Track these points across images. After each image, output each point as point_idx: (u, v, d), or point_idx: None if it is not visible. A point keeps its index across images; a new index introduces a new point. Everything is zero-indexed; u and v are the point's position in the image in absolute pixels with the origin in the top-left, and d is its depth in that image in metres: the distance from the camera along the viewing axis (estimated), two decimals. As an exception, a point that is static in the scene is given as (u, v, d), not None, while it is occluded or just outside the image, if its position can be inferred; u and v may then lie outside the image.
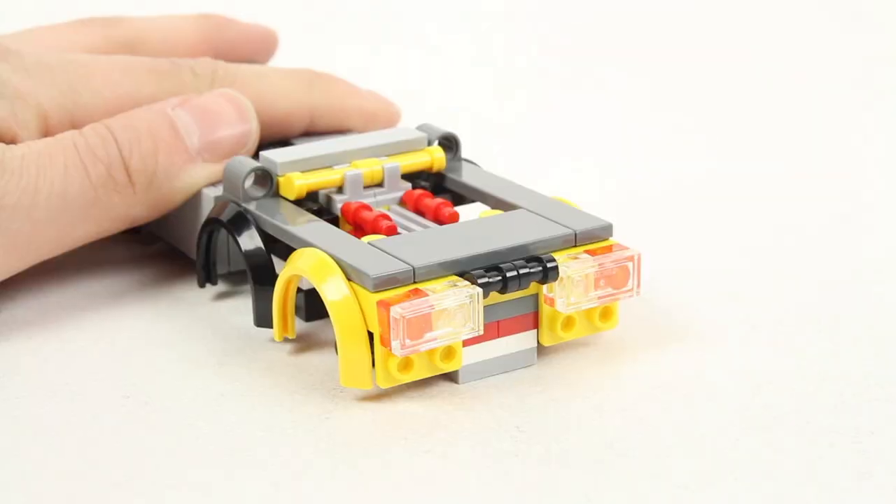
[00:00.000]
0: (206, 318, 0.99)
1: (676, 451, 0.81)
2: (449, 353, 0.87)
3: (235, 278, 1.03)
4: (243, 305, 0.99)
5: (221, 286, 1.03)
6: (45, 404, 0.88)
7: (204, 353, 0.94)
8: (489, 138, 1.33)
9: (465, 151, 1.05)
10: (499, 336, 0.89)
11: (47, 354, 0.94)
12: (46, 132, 1.00)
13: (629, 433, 0.83)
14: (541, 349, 0.92)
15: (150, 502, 0.78)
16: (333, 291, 0.86)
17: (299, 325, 0.95)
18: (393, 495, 0.78)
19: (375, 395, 0.87)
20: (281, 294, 0.91)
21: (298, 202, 0.98)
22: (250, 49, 1.22)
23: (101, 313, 1.00)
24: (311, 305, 0.95)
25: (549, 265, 0.88)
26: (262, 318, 0.94)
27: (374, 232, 0.95)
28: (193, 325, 0.98)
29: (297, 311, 0.94)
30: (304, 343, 0.95)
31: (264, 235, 0.95)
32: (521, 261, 0.88)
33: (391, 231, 0.94)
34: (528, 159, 1.31)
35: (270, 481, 0.79)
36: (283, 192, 0.98)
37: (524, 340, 0.91)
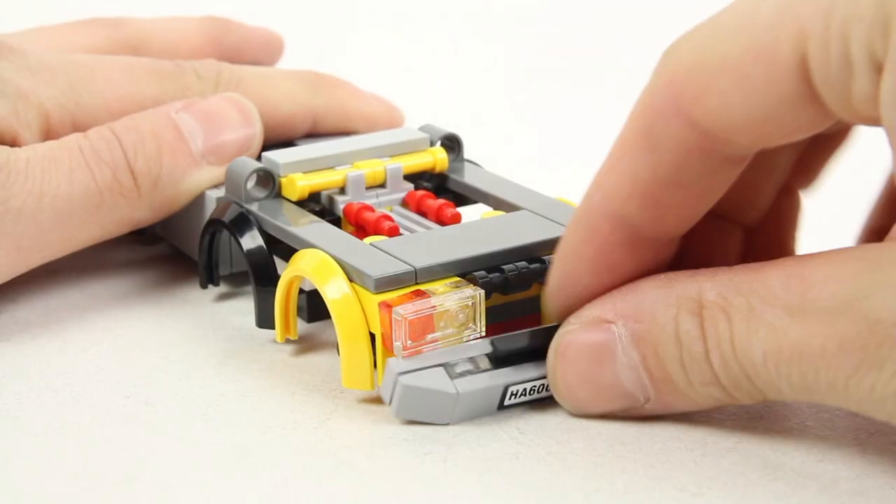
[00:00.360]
0: (208, 319, 0.99)
1: (677, 454, 0.81)
2: (451, 354, 0.87)
3: (237, 279, 1.03)
4: (245, 306, 0.99)
5: (224, 287, 1.03)
6: (46, 404, 0.88)
7: (205, 353, 0.94)
8: (492, 139, 1.33)
9: (467, 152, 1.05)
10: (501, 337, 0.89)
11: (49, 355, 0.94)
12: (48, 132, 1.00)
13: (630, 435, 0.83)
14: (542, 351, 0.92)
15: (150, 502, 0.78)
16: (335, 293, 0.86)
17: (301, 326, 0.95)
18: (393, 497, 0.78)
19: (376, 395, 0.87)
20: (283, 295, 0.91)
21: (301, 203, 0.98)
22: (255, 53, 1.22)
23: (103, 314, 1.00)
24: (313, 306, 0.95)
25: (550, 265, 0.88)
26: (264, 319, 0.94)
27: (376, 233, 0.94)
28: (195, 326, 0.98)
29: (299, 311, 0.94)
30: (305, 344, 0.95)
31: (266, 236, 0.95)
32: (523, 262, 0.88)
33: (393, 232, 0.94)
34: (532, 160, 1.31)
35: (271, 482, 0.79)
36: (285, 192, 0.98)
37: (526, 342, 0.91)
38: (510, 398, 0.85)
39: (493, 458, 0.81)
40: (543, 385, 0.85)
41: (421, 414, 0.83)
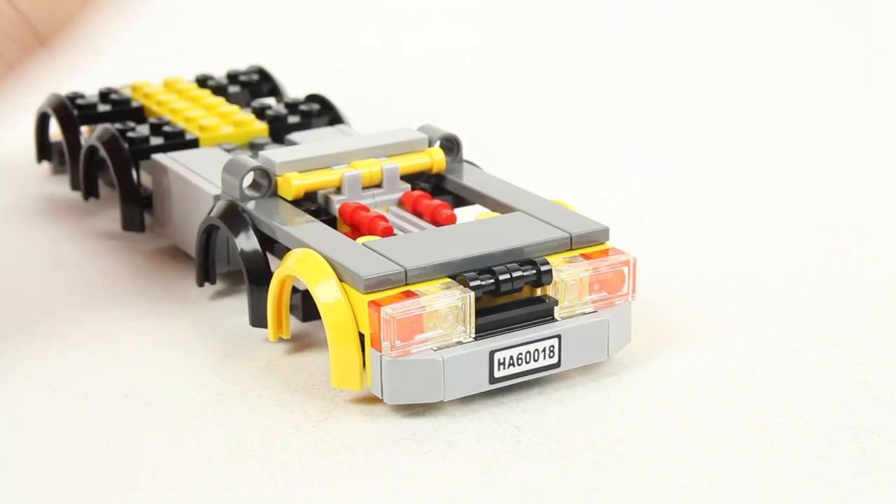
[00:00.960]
0: (206, 317, 0.99)
1: (676, 451, 0.82)
2: (445, 354, 0.87)
3: (236, 277, 1.03)
4: (243, 305, 0.99)
5: (222, 285, 1.03)
6: (45, 404, 0.88)
7: (204, 352, 0.94)
8: (493, 139, 1.33)
9: (469, 153, 1.05)
10: (495, 338, 0.90)
11: (48, 354, 0.94)
12: None
13: (629, 433, 0.84)
14: (538, 350, 0.92)
15: (150, 502, 0.78)
16: (325, 293, 0.86)
17: (299, 325, 0.95)
18: (393, 495, 0.78)
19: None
20: (275, 294, 0.91)
21: (297, 202, 0.98)
22: None
23: (103, 313, 1.00)
24: (308, 305, 0.95)
25: (542, 268, 0.88)
26: (258, 318, 0.94)
27: (371, 233, 0.95)
28: (194, 325, 0.98)
29: (294, 311, 0.94)
30: (303, 343, 0.95)
31: (261, 235, 0.95)
32: (514, 263, 0.88)
33: (387, 232, 0.94)
34: (533, 161, 1.31)
35: (270, 481, 0.79)
36: (281, 192, 0.98)
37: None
38: (499, 368, 0.85)
39: (493, 456, 0.82)
40: (530, 353, 0.86)
41: (412, 394, 0.84)
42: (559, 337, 0.87)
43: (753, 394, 0.88)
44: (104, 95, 1.23)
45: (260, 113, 1.19)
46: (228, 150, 1.13)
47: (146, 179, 1.11)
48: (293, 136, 1.13)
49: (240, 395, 0.89)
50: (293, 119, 1.17)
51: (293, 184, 0.97)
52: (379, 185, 1.00)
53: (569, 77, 1.56)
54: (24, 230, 1.15)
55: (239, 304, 1.00)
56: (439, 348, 0.85)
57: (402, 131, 1.04)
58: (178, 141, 1.12)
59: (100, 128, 1.12)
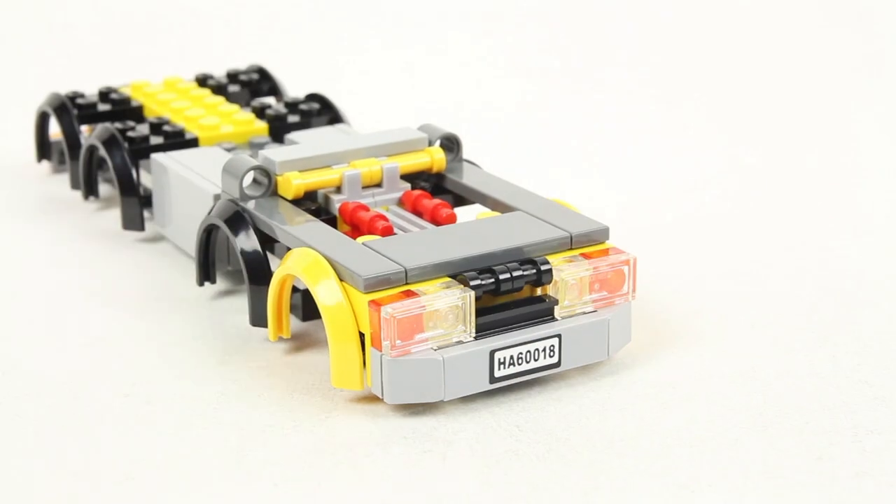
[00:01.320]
0: (206, 316, 0.99)
1: (676, 451, 0.82)
2: (445, 353, 0.87)
3: (237, 276, 1.03)
4: (243, 305, 0.99)
5: (223, 285, 1.03)
6: (45, 403, 0.88)
7: (204, 352, 0.94)
8: (493, 139, 1.33)
9: (469, 153, 1.05)
10: (495, 337, 0.90)
11: (47, 353, 0.94)
12: None
13: (629, 433, 0.84)
14: (539, 349, 0.92)
15: (150, 502, 0.78)
16: (325, 292, 0.86)
17: (298, 324, 0.95)
18: (393, 495, 0.78)
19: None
20: (275, 293, 0.91)
21: (297, 202, 0.98)
22: None
23: (102, 312, 1.00)
24: (308, 305, 0.95)
25: (542, 268, 0.88)
26: (258, 318, 0.94)
27: (370, 232, 0.95)
28: (194, 325, 0.98)
29: (294, 310, 0.94)
30: (303, 342, 0.95)
31: (261, 234, 0.95)
32: (514, 263, 0.88)
33: (387, 231, 0.94)
34: (533, 161, 1.31)
35: (270, 481, 0.79)
36: (281, 191, 0.98)
37: (520, 341, 0.91)
38: (500, 367, 0.86)
39: (493, 455, 0.82)
40: (530, 352, 0.86)
41: (412, 393, 0.84)
42: (559, 336, 0.87)
43: (753, 394, 0.88)
44: (104, 95, 1.23)
45: (260, 112, 1.19)
46: (228, 150, 1.13)
47: (146, 179, 1.11)
48: (293, 135, 1.14)
49: (240, 394, 0.88)
50: (293, 118, 1.18)
51: (293, 183, 0.97)
52: (379, 185, 1.00)
53: (569, 76, 1.56)
54: (23, 230, 1.15)
55: (239, 304, 1.00)
56: (439, 348, 0.85)
57: (402, 131, 1.04)
58: (178, 140, 1.13)
59: (100, 127, 1.12)
